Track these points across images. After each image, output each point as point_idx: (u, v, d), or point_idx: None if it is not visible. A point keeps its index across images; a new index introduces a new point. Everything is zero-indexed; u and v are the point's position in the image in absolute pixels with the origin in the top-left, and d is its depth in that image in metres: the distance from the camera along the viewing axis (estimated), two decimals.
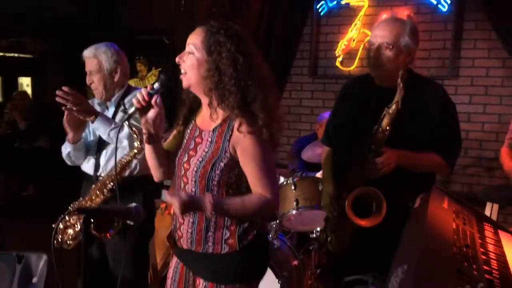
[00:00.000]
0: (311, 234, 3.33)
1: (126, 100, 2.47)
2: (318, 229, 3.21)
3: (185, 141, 1.74)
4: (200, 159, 1.62)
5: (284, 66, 4.78)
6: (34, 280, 2.74)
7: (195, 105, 1.76)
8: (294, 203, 3.05)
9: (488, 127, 4.07)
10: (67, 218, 2.39)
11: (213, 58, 1.56)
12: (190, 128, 1.75)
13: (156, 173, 1.78)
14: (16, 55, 7.86)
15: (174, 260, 1.84)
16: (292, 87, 4.85)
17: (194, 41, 1.60)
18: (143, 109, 1.61)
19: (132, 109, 1.61)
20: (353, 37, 4.52)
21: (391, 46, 1.98)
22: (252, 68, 1.57)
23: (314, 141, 3.60)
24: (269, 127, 1.56)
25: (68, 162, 2.55)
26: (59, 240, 2.48)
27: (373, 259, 1.86)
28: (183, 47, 1.68)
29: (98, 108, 2.47)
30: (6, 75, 8.11)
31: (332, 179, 2.24)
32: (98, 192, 2.35)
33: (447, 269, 1.24)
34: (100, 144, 2.45)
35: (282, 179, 3.36)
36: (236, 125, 1.56)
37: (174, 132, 1.80)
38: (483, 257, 1.53)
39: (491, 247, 1.68)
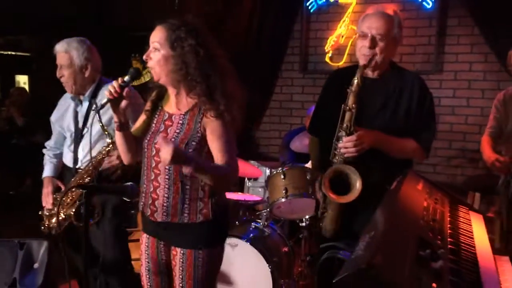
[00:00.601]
0: (301, 223, 3.47)
1: (99, 95, 2.55)
2: (307, 217, 3.35)
3: (153, 125, 1.90)
4: (173, 139, 1.77)
5: (275, 62, 4.93)
6: (36, 265, 2.87)
7: (162, 93, 1.92)
8: (284, 192, 3.17)
9: (471, 120, 4.23)
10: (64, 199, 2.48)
11: (177, 53, 1.72)
12: (158, 113, 1.91)
13: (125, 157, 1.95)
14: (13, 53, 7.91)
15: (144, 236, 1.98)
16: (283, 82, 4.99)
17: (158, 39, 1.75)
18: (115, 100, 1.78)
19: (104, 100, 1.79)
20: (342, 34, 4.67)
21: (383, 37, 2.09)
22: (212, 59, 1.76)
23: (302, 132, 3.74)
24: (230, 111, 1.75)
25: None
26: (47, 225, 2.60)
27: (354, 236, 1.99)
28: None
29: (71, 102, 2.58)
30: (3, 73, 8.17)
31: (317, 166, 2.37)
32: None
33: (411, 237, 1.38)
34: (77, 138, 2.56)
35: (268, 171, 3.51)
36: (206, 109, 1.75)
37: (144, 117, 1.95)
38: (450, 231, 1.68)
39: (459, 224, 1.82)
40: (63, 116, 2.63)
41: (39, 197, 2.70)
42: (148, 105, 1.92)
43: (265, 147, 5.12)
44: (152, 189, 1.84)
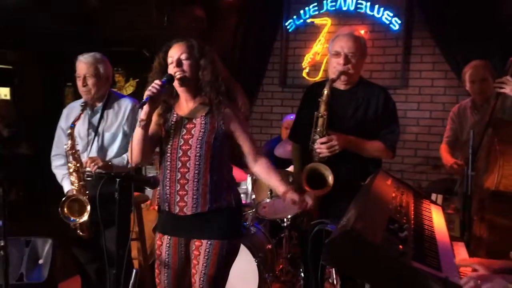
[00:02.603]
0: (282, 223, 3.79)
1: (112, 106, 2.80)
2: (289, 216, 3.68)
3: (172, 131, 2.11)
4: (200, 138, 2.05)
5: (257, 76, 5.22)
6: (41, 261, 3.07)
7: (169, 105, 2.17)
8: (268, 193, 3.51)
9: (434, 130, 4.62)
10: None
11: (207, 59, 2.06)
12: (173, 120, 2.13)
13: (137, 156, 2.06)
14: None
15: (165, 238, 2.16)
16: (264, 95, 5.28)
17: (185, 50, 2.06)
18: (153, 99, 1.99)
19: (146, 98, 1.97)
20: (318, 51, 5.02)
21: (354, 55, 2.45)
22: (222, 69, 2.13)
23: (285, 140, 4.08)
24: (245, 108, 2.15)
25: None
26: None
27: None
28: None
29: (78, 109, 2.74)
30: None
31: (299, 168, 2.67)
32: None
33: (383, 216, 1.73)
34: (88, 145, 2.78)
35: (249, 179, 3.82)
36: (224, 109, 2.08)
37: (154, 127, 2.15)
38: (413, 215, 2.04)
39: (422, 211, 2.20)
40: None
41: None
42: (144, 116, 2.03)
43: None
44: (178, 187, 2.05)
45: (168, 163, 2.09)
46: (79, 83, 2.76)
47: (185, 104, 2.16)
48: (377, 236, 1.49)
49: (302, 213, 2.59)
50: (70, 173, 2.64)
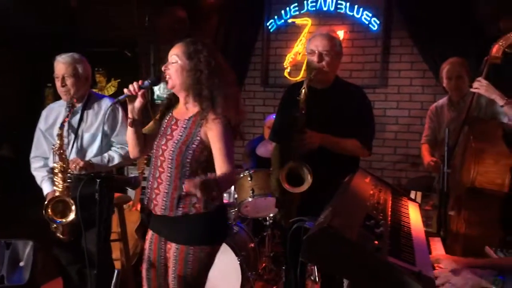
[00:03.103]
0: (265, 222, 3.82)
1: (91, 107, 2.80)
2: (271, 215, 3.72)
3: (162, 128, 2.14)
4: (176, 141, 2.04)
5: (239, 76, 5.19)
6: (21, 263, 3.06)
7: (171, 104, 2.21)
8: (250, 192, 3.53)
9: (413, 129, 4.71)
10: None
11: (194, 62, 2.02)
12: (167, 118, 2.16)
13: (133, 151, 2.20)
14: None
15: (150, 233, 2.19)
16: (246, 95, 5.29)
17: (177, 52, 2.06)
18: (132, 97, 2.04)
19: (122, 96, 2.04)
20: (299, 51, 5.07)
21: (328, 53, 2.51)
22: (221, 69, 2.06)
23: (267, 139, 4.11)
24: (228, 116, 2.00)
25: None
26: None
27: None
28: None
29: (60, 112, 2.76)
30: None
31: (278, 167, 2.68)
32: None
33: (360, 213, 1.78)
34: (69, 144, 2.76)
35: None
36: (206, 114, 2.01)
37: (152, 122, 2.19)
38: (391, 212, 2.09)
39: (399, 208, 2.25)
40: (53, 124, 2.82)
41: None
42: (158, 113, 2.16)
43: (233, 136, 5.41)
44: (156, 185, 2.06)
45: (153, 159, 2.12)
46: (58, 83, 2.75)
47: (180, 104, 2.16)
48: (353, 232, 1.53)
49: (281, 211, 2.63)
50: (55, 174, 2.63)
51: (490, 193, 2.83)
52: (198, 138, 2.03)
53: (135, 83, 2.04)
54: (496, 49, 2.83)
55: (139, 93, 2.04)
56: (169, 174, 2.03)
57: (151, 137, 2.17)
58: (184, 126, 2.08)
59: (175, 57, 2.05)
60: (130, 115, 2.07)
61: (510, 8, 3.27)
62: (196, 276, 2.08)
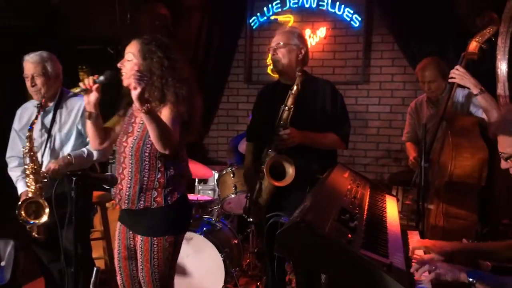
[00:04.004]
0: (249, 219, 3.83)
1: (64, 106, 2.78)
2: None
3: (124, 125, 2.22)
4: (135, 138, 2.13)
5: (222, 73, 5.25)
6: (2, 263, 3.03)
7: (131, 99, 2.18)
8: (233, 189, 3.55)
9: (394, 124, 4.75)
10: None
11: (146, 63, 2.07)
12: (129, 115, 2.24)
13: (93, 142, 2.26)
14: None
15: (118, 224, 2.27)
16: (229, 92, 5.31)
17: (132, 50, 2.09)
18: (86, 91, 2.10)
19: (78, 89, 2.09)
20: None
21: (283, 45, 2.54)
22: (174, 68, 2.10)
23: None
24: (180, 110, 2.07)
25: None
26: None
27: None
28: None
29: (34, 111, 2.73)
30: None
31: (251, 164, 2.72)
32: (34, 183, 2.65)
33: (335, 207, 1.80)
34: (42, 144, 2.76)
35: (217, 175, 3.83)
36: (158, 110, 2.07)
37: (116, 117, 2.30)
38: (368, 206, 2.13)
39: (376, 202, 2.29)
40: (28, 124, 2.77)
41: None
42: (120, 108, 2.25)
43: (214, 152, 5.43)
44: (119, 180, 2.14)
45: (117, 155, 2.21)
46: (28, 83, 2.72)
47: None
48: (327, 226, 1.55)
49: (251, 204, 2.65)
50: (27, 175, 2.62)
51: (467, 187, 2.90)
52: None
53: (90, 78, 2.09)
54: (473, 45, 2.88)
55: (94, 88, 2.10)
56: (130, 169, 2.12)
57: (114, 130, 2.26)
58: (141, 122, 2.14)
59: (131, 55, 2.09)
60: (87, 108, 2.13)
61: (486, 5, 3.32)
62: (162, 266, 2.17)
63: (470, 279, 1.46)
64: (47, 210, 2.51)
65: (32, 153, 2.59)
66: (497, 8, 3.14)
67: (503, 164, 1.63)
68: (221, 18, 5.11)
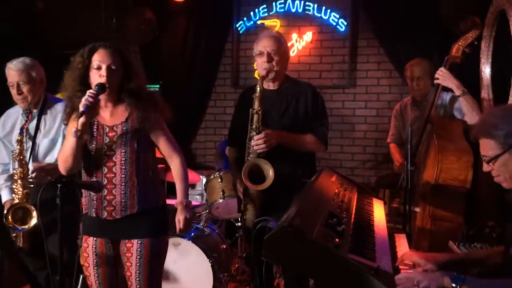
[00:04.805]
0: (237, 223, 3.83)
1: (48, 111, 2.75)
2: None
3: (94, 138, 2.12)
4: (123, 143, 2.12)
5: (209, 78, 5.24)
6: None
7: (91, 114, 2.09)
8: (221, 193, 3.55)
9: (381, 127, 4.77)
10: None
11: (122, 70, 2.12)
12: (95, 128, 2.13)
13: (67, 165, 2.09)
14: None
15: (91, 239, 2.17)
16: (216, 96, 5.30)
17: (112, 60, 2.09)
18: (93, 107, 2.02)
19: (84, 108, 1.97)
20: None
21: (277, 52, 2.55)
22: (139, 74, 2.22)
23: None
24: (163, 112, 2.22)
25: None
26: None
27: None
28: None
29: (18, 118, 2.73)
30: None
31: (236, 171, 2.70)
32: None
33: (323, 211, 1.81)
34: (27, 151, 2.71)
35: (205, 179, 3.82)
36: (144, 114, 2.13)
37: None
38: (355, 210, 2.14)
39: (363, 206, 2.30)
40: (12, 131, 2.77)
41: None
42: (80, 127, 1.99)
43: (202, 157, 5.41)
44: (105, 192, 2.10)
45: (94, 169, 2.13)
46: (14, 91, 2.68)
47: (105, 110, 2.18)
48: (314, 230, 1.56)
49: (244, 211, 2.64)
50: (15, 180, 2.59)
51: (453, 189, 2.92)
52: (144, 133, 2.18)
53: (91, 91, 2.02)
54: (456, 49, 2.92)
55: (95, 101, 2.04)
56: (123, 175, 2.10)
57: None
58: (124, 127, 2.14)
59: (115, 64, 2.11)
60: (80, 127, 1.97)
61: (469, 9, 3.38)
62: (158, 268, 2.23)
63: (454, 285, 1.47)
64: (34, 214, 2.49)
65: (21, 157, 2.56)
66: (480, 13, 3.20)
67: (485, 167, 1.64)
68: (208, 22, 5.11)
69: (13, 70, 2.66)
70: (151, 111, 2.17)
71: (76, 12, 5.46)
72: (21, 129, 2.60)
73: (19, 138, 2.59)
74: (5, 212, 2.52)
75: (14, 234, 2.62)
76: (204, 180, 3.96)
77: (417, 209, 3.02)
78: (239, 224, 3.78)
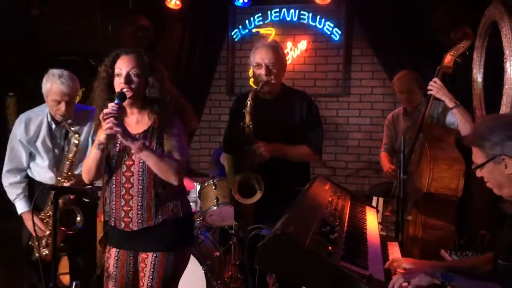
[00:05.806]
0: (231, 231, 3.83)
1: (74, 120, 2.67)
2: (235, 224, 3.72)
3: (117, 145, 2.09)
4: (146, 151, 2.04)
5: (204, 85, 5.25)
6: None
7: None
8: (215, 201, 3.54)
9: (375, 136, 4.80)
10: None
11: (153, 80, 2.05)
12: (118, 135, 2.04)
13: (93, 176, 2.09)
14: None
15: (114, 250, 2.16)
16: (211, 104, 5.32)
17: (136, 65, 2.03)
18: (120, 118, 1.94)
19: (121, 129, 1.90)
20: None
21: (275, 65, 2.53)
22: (166, 81, 2.10)
23: None
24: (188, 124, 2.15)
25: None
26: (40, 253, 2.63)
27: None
28: None
29: (43, 124, 2.68)
30: None
31: (232, 178, 2.65)
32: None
33: (316, 219, 1.82)
34: (56, 161, 2.70)
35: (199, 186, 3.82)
36: (166, 125, 2.06)
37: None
38: (348, 218, 2.15)
39: (357, 214, 2.31)
40: (37, 136, 2.69)
41: None
42: (103, 140, 2.00)
43: (196, 164, 5.41)
44: (123, 203, 2.06)
45: (113, 178, 2.09)
46: (57, 105, 2.60)
47: (130, 117, 2.13)
48: (307, 238, 1.57)
49: (239, 221, 2.65)
50: (61, 183, 2.49)
51: (445, 198, 2.95)
52: (162, 145, 2.08)
53: (112, 104, 1.93)
54: (447, 59, 2.96)
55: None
56: (140, 186, 2.05)
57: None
58: (144, 137, 2.07)
59: (136, 70, 2.03)
60: (104, 140, 1.96)
61: (460, 20, 3.42)
62: (172, 282, 2.15)
63: (442, 280, 1.53)
64: (78, 218, 2.51)
65: (73, 160, 2.53)
66: (472, 23, 3.25)
67: (477, 173, 1.73)
68: (203, 30, 5.13)
69: (62, 87, 2.57)
70: (174, 119, 2.07)
71: (71, 20, 5.49)
72: (76, 131, 2.55)
73: (77, 141, 2.54)
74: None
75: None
76: (198, 187, 3.96)
77: (409, 218, 3.04)
78: (233, 231, 3.78)
